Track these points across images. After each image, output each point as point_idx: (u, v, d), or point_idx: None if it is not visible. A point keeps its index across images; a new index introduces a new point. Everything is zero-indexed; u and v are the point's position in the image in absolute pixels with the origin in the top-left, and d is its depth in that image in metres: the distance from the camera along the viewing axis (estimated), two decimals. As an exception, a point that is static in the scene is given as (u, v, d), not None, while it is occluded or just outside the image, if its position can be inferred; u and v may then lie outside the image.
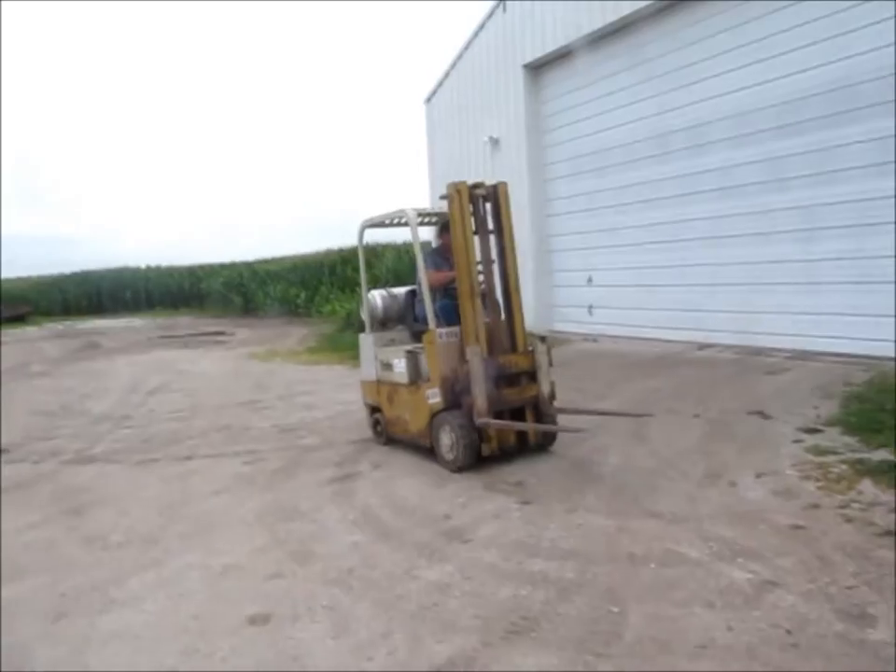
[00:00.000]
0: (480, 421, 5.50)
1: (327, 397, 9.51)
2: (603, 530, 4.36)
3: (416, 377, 6.14)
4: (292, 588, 3.88)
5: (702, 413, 6.83)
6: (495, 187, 6.00)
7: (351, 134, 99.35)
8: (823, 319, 8.62)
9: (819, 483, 4.85)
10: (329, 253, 28.06)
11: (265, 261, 31.85)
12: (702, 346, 10.24)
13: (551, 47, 12.58)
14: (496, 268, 6.00)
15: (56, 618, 3.76)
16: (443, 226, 6.57)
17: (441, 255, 6.59)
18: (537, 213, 13.41)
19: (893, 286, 7.88)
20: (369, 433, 7.06)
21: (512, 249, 6.00)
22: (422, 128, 17.08)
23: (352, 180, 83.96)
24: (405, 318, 6.95)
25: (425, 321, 6.15)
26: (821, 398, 6.84)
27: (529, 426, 5.85)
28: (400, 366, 6.26)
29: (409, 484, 5.58)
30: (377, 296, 7.05)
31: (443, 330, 5.89)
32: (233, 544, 4.57)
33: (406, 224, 6.63)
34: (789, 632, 3.12)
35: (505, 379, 5.74)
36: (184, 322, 26.60)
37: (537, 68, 13.40)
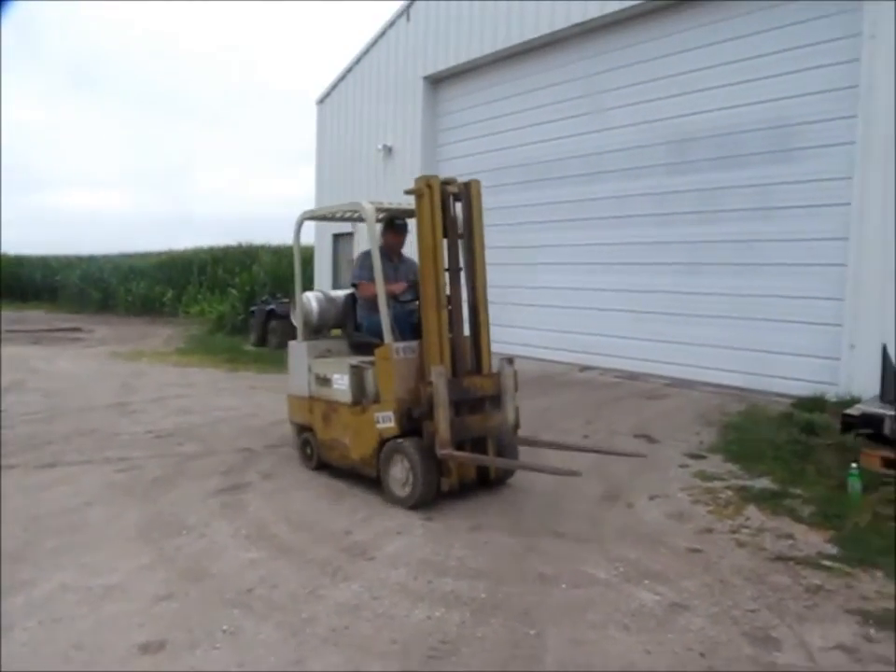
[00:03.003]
0: (442, 453, 4.80)
1: (204, 401, 9.02)
2: (510, 549, 4.32)
3: (361, 396, 5.36)
4: (186, 611, 3.57)
5: (591, 434, 6.98)
6: (467, 185, 5.28)
7: (228, 127, 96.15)
8: (700, 350, 9.07)
9: (709, 508, 5.03)
10: (199, 251, 27.00)
11: (129, 255, 30.20)
12: (583, 368, 10.53)
13: (453, 61, 12.67)
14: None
15: None
16: (389, 223, 5.87)
17: (386, 257, 5.68)
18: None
19: (766, 322, 8.41)
20: (255, 441, 6.72)
21: (482, 256, 5.36)
22: (312, 129, 16.77)
23: (228, 177, 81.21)
24: (344, 326, 6.20)
25: (371, 331, 5.59)
26: (702, 425, 7.15)
27: (513, 462, 5.29)
28: (342, 382, 5.47)
29: (303, 497, 5.33)
30: (313, 299, 6.22)
31: (400, 345, 5.16)
32: (114, 562, 4.16)
33: (349, 219, 6.18)
34: (702, 655, 3.18)
35: (467, 404, 5.10)
36: (34, 316, 24.66)
37: (437, 81, 13.46)
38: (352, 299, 6.10)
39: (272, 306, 14.44)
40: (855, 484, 5.05)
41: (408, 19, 13.57)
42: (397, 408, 5.02)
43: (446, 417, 4.81)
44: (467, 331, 5.33)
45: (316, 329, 6.26)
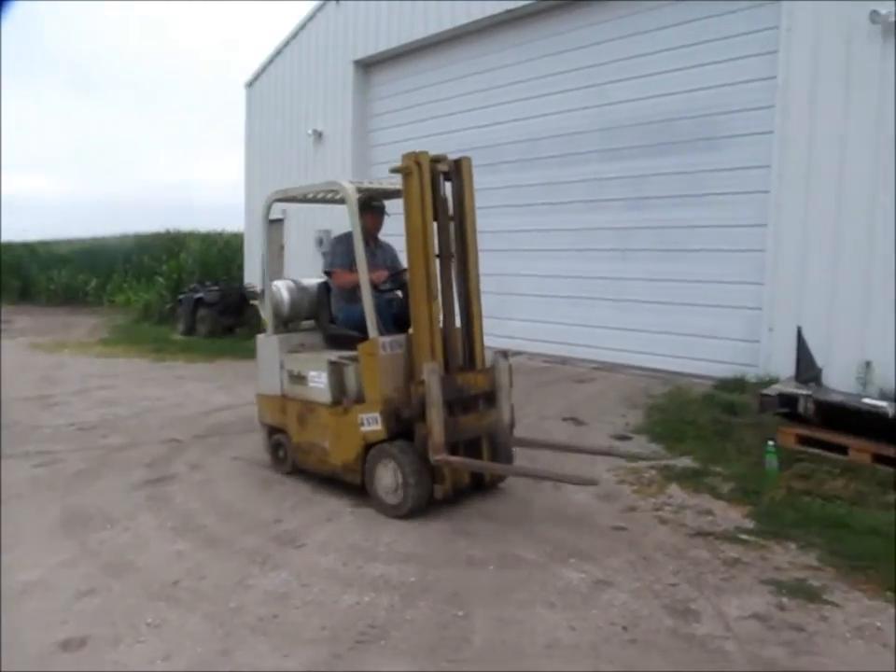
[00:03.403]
0: (437, 459, 4.39)
1: (130, 392, 8.79)
2: (439, 532, 4.37)
3: (342, 396, 4.93)
4: (109, 605, 3.50)
5: (521, 419, 7.04)
6: (458, 162, 4.84)
7: (155, 109, 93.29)
8: (628, 334, 9.26)
9: (634, 487, 5.18)
10: (124, 238, 26.21)
11: (49, 243, 29.06)
12: (513, 353, 10.61)
13: (384, 45, 12.54)
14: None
15: None
16: (365, 205, 5.21)
17: (362, 242, 5.06)
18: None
19: (690, 307, 8.64)
20: (183, 431, 6.60)
21: (475, 241, 4.92)
22: (241, 112, 16.43)
23: (154, 160, 78.79)
24: (319, 318, 5.69)
25: (348, 323, 5.22)
26: (628, 407, 7.33)
27: (523, 469, 4.97)
28: (320, 380, 4.99)
29: (232, 487, 5.27)
30: (283, 288, 5.65)
31: (387, 339, 4.73)
32: (35, 557, 4.05)
33: (324, 200, 5.80)
34: (625, 628, 3.29)
35: (460, 403, 4.70)
36: (-55, 305, 23.54)
37: (368, 66, 13.31)
38: (326, 288, 5.61)
39: (200, 294, 14.14)
40: (771, 461, 5.26)
41: (337, 2, 13.38)
42: (384, 409, 4.60)
43: (440, 419, 4.41)
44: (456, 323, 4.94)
45: (287, 321, 5.72)
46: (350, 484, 4.93)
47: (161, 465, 5.79)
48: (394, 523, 4.52)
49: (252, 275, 16.35)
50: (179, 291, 15.65)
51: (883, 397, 6.29)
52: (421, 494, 4.51)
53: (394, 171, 4.72)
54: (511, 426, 4.90)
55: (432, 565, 3.94)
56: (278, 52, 15.22)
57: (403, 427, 4.58)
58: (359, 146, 13.41)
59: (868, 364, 6.92)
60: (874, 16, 6.86)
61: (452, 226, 4.83)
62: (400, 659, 3.01)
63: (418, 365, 4.57)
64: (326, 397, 4.99)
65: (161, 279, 18.15)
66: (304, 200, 5.78)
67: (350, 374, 4.89)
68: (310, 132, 14.10)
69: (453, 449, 4.52)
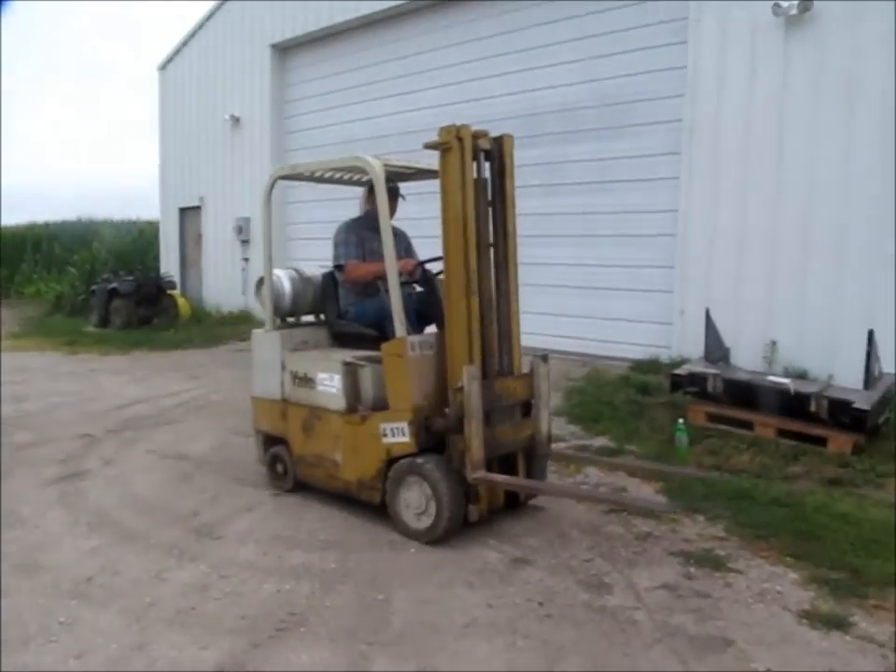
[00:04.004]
0: (475, 476, 3.89)
1: (41, 387, 8.46)
2: (361, 518, 4.38)
3: (356, 402, 4.40)
4: (18, 606, 3.38)
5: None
6: (499, 140, 4.31)
7: (69, 95, 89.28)
8: (548, 319, 9.38)
9: (553, 468, 5.28)
10: (33, 226, 25.14)
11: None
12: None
13: (301, 29, 12.34)
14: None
15: None
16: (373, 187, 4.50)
17: (373, 228, 4.56)
18: (277, 199, 13.02)
19: (606, 291, 8.86)
20: (96, 426, 6.40)
21: (514, 229, 4.47)
22: (154, 97, 15.93)
23: (67, 149, 75.55)
24: (325, 312, 5.12)
25: (361, 319, 4.72)
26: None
27: (589, 494, 4.55)
28: (331, 384, 4.40)
29: (149, 481, 5.16)
30: (285, 278, 5.00)
31: (416, 339, 4.22)
32: (-63, 559, 3.88)
33: (337, 181, 5.19)
34: (541, 604, 3.38)
35: (497, 413, 4.21)
36: None
37: (285, 50, 13.08)
38: (332, 279, 5.02)
39: (114, 285, 13.67)
40: (682, 438, 5.47)
41: (252, -18, 13.11)
42: (413, 418, 4.03)
43: (480, 432, 3.90)
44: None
45: (287, 315, 5.12)
46: (368, 503, 4.36)
47: (74, 461, 5.62)
48: (316, 510, 4.52)
49: (168, 265, 15.93)
50: (92, 282, 15.11)
51: (787, 374, 6.62)
52: (456, 516, 3.96)
53: (429, 146, 4.16)
54: (549, 439, 4.41)
55: (353, 550, 3.96)
56: (192, 35, 14.79)
57: (434, 439, 4.07)
58: (278, 131, 13.19)
59: (773, 343, 7.24)
60: (776, 9, 7.15)
61: (490, 212, 4.33)
62: (319, 644, 3.02)
63: (453, 369, 4.06)
64: (339, 403, 4.39)
65: (72, 269, 17.49)
66: (311, 178, 5.14)
67: (366, 377, 4.29)
68: (227, 117, 13.79)
69: (487, 465, 4.01)
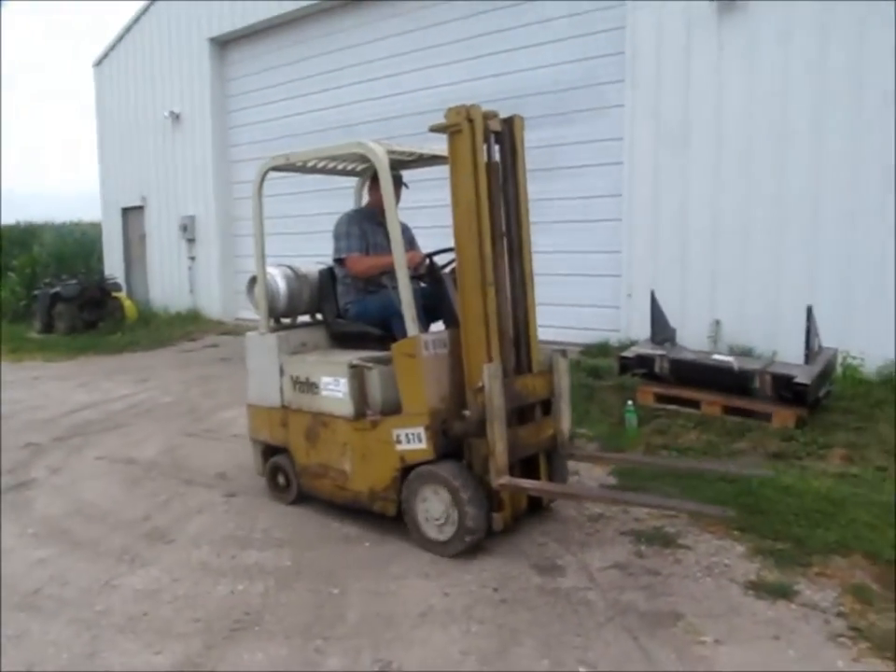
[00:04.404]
0: (500, 482, 3.64)
1: (-19, 396, 8.22)
2: (315, 515, 4.37)
3: (365, 407, 4.11)
4: (-37, 621, 3.30)
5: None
6: (509, 121, 4.02)
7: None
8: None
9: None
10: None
11: None
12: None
13: (239, 23, 12.17)
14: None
15: None
16: (376, 176, 4.33)
17: (375, 220, 4.46)
18: (222, 195, 12.86)
19: (557, 277, 8.91)
20: (42, 434, 6.24)
21: (527, 216, 4.13)
22: (91, 93, 15.54)
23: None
24: (323, 311, 4.85)
25: (362, 317, 4.50)
26: (501, 377, 7.52)
27: (635, 498, 4.15)
28: (337, 388, 4.13)
29: (97, 487, 5.06)
30: (279, 276, 4.68)
31: (429, 337, 3.95)
32: None
33: (330, 170, 4.92)
34: (496, 590, 3.42)
35: (517, 413, 3.97)
36: None
37: (224, 44, 12.88)
38: (330, 276, 4.78)
39: (57, 289, 13.31)
40: (631, 420, 5.57)
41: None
42: (430, 423, 3.78)
43: (503, 435, 3.64)
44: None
45: (282, 316, 4.81)
46: (380, 514, 4.11)
47: (20, 471, 5.48)
48: (269, 509, 4.50)
49: (112, 266, 15.60)
50: (34, 287, 14.70)
51: (731, 353, 6.77)
52: (481, 526, 3.71)
53: (436, 129, 3.86)
54: (571, 438, 4.20)
55: (308, 547, 3.95)
56: (128, 29, 14.47)
57: (451, 444, 3.83)
58: (219, 127, 13.01)
59: (717, 322, 7.40)
60: (710, -6, 7.28)
61: (501, 198, 4.01)
62: (274, 642, 3.01)
63: (471, 367, 3.80)
64: (346, 408, 4.12)
65: (12, 275, 16.99)
66: (305, 169, 4.82)
67: (374, 380, 4.03)
68: (167, 114, 13.53)
69: (510, 469, 3.76)
